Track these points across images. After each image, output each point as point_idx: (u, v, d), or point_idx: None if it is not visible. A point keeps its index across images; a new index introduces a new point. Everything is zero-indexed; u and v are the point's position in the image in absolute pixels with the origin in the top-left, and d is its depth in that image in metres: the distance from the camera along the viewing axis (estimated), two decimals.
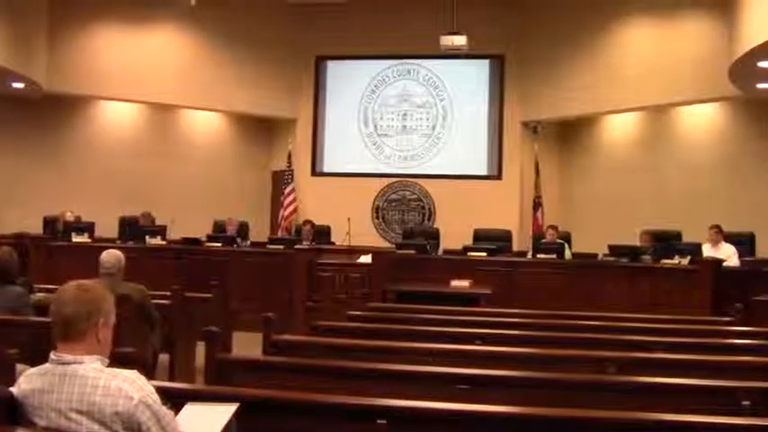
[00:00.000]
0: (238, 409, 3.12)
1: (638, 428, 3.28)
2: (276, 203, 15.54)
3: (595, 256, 11.55)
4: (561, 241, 11.81)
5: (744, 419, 3.37)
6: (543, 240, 11.97)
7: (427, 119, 15.40)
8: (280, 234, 14.32)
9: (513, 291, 10.47)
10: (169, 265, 11.19)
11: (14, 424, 2.64)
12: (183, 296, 7.49)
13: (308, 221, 12.86)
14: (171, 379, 6.91)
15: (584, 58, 13.89)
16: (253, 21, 15.10)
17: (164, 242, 11.82)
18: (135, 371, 2.71)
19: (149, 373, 4.50)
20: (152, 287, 6.86)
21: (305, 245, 11.73)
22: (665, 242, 10.93)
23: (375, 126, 15.53)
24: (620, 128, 14.38)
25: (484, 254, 11.30)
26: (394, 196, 15.35)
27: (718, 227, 10.74)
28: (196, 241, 11.90)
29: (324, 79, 15.70)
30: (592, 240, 12.35)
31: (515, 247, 13.18)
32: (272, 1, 15.35)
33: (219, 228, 12.86)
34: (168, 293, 7.36)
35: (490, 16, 14.57)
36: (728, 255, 10.39)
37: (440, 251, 12.51)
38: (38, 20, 12.88)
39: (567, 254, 11.63)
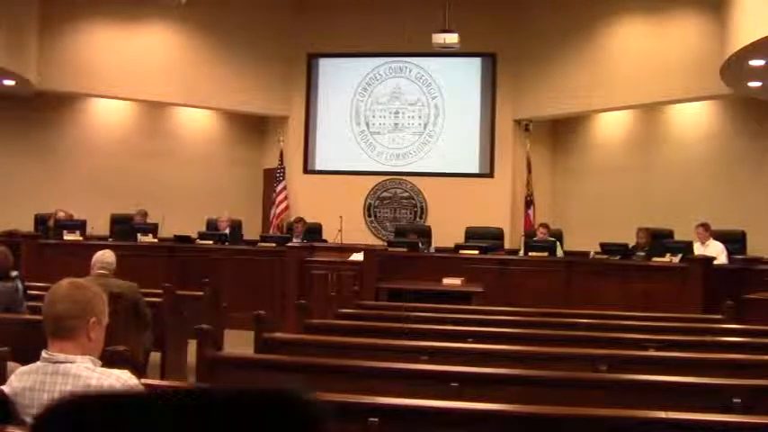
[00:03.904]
0: None
1: (630, 426, 3.29)
2: (268, 201, 15.52)
3: (587, 254, 11.57)
4: (553, 239, 11.85)
5: (735, 417, 3.38)
6: (535, 238, 11.99)
7: (419, 117, 15.39)
8: (272, 232, 14.31)
9: (505, 289, 10.48)
10: (161, 263, 11.16)
11: (5, 422, 2.63)
12: (175, 294, 7.48)
13: (300, 219, 12.84)
14: (162, 377, 6.91)
15: (576, 56, 13.91)
16: (244, 18, 15.07)
17: (155, 240, 11.80)
18: (127, 371, 2.70)
19: (140, 372, 4.49)
20: (143, 285, 6.85)
21: (296, 242, 11.72)
22: (657, 240, 10.98)
23: (367, 124, 15.52)
24: (611, 126, 14.41)
25: (476, 252, 11.32)
26: (386, 194, 15.34)
27: (703, 225, 10.79)
28: (188, 239, 11.89)
29: (316, 77, 15.68)
30: (583, 238, 12.39)
31: (507, 245, 13.22)
32: None
33: (213, 226, 12.85)
34: (160, 291, 7.36)
35: (482, 14, 14.56)
36: (717, 252, 10.43)
37: (431, 249, 12.53)
38: (29, 17, 12.83)
39: (559, 252, 11.67)
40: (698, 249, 10.51)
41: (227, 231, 12.39)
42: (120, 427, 0.41)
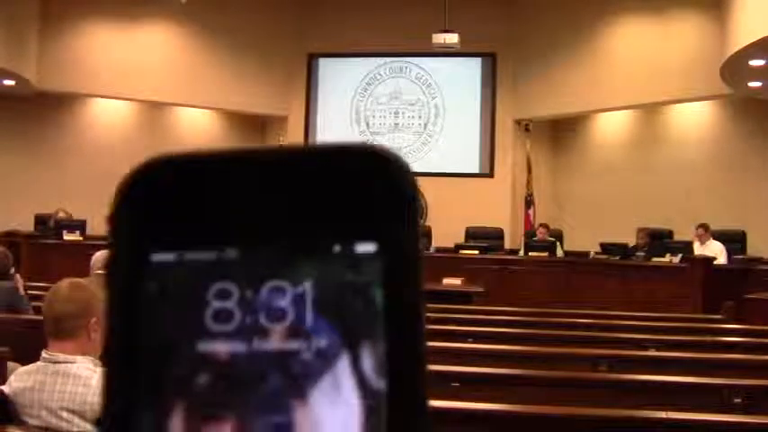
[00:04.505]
0: None
1: (631, 426, 3.29)
2: None
3: (587, 254, 11.57)
4: (553, 239, 11.85)
5: (735, 417, 3.38)
6: (535, 238, 11.99)
7: (419, 117, 15.38)
8: None
9: (505, 289, 10.48)
10: None
11: (5, 423, 2.63)
12: None
13: None
14: None
15: (576, 56, 13.90)
16: (244, 17, 15.05)
17: None
18: None
19: None
20: None
21: None
22: (657, 240, 10.99)
23: (367, 124, 15.51)
24: (612, 126, 14.41)
25: (476, 252, 11.34)
26: None
27: (703, 226, 10.79)
28: None
29: (316, 77, 15.67)
30: (583, 238, 12.38)
31: (507, 245, 13.21)
32: None
33: None
34: None
35: (483, 15, 14.54)
36: (716, 252, 10.43)
37: (432, 249, 12.52)
38: (29, 17, 12.83)
39: (559, 252, 11.67)
40: (698, 249, 10.51)
41: None
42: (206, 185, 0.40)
